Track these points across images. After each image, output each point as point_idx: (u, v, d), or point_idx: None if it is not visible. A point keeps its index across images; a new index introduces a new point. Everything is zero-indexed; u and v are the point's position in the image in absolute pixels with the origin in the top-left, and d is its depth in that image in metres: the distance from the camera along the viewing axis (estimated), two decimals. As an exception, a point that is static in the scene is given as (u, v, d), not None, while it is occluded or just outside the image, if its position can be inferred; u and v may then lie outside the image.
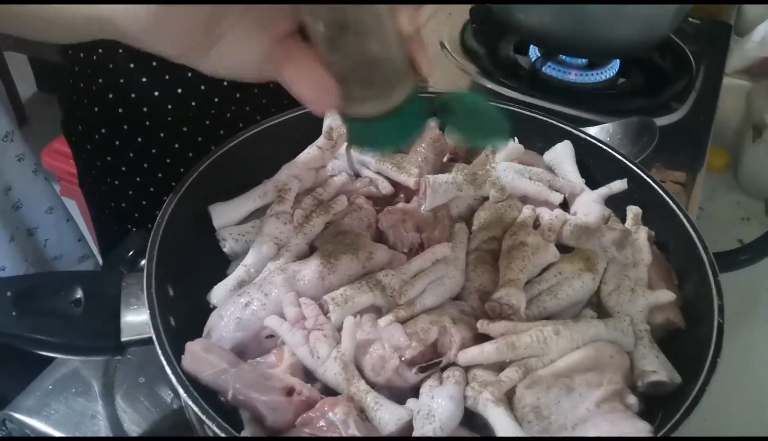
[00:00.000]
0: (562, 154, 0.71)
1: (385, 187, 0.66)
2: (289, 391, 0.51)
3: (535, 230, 0.63)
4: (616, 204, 0.68)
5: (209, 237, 0.66)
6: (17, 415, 0.62)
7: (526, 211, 0.65)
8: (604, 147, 0.70)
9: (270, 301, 0.56)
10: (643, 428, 0.49)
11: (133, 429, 0.62)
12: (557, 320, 0.56)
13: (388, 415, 0.50)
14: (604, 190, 0.68)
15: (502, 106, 0.75)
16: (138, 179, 0.95)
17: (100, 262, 1.04)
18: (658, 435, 0.48)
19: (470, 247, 0.64)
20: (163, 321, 0.54)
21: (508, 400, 0.52)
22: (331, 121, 0.72)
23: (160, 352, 0.51)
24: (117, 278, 0.57)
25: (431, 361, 0.54)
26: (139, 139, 0.91)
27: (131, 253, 0.70)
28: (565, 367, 0.53)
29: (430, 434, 0.49)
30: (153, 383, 0.65)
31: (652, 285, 0.61)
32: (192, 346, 0.51)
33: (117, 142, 0.93)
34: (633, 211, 0.65)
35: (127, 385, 0.65)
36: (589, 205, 0.67)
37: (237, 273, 0.61)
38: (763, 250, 0.90)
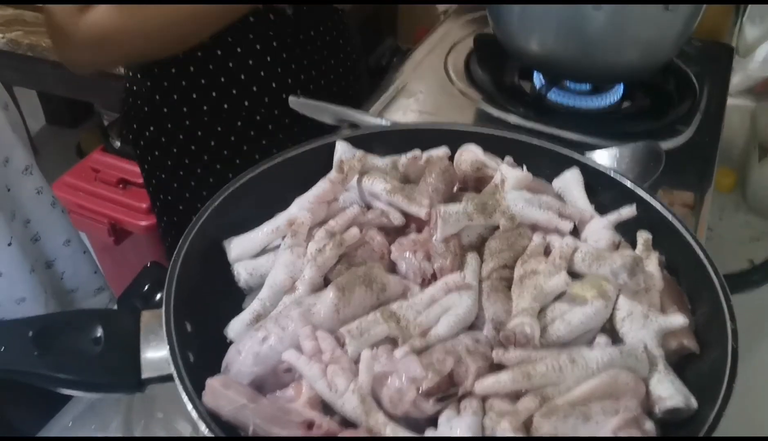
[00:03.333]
0: (570, 181, 0.72)
1: (397, 218, 0.67)
2: (309, 425, 0.51)
3: (546, 258, 0.64)
4: (625, 229, 0.69)
5: (224, 271, 0.67)
6: None
7: (537, 238, 0.66)
8: (612, 174, 0.71)
9: (287, 335, 0.57)
10: (661, 455, 0.50)
11: (152, 465, 0.62)
12: (572, 348, 0.57)
13: (406, 447, 0.51)
14: (614, 217, 0.68)
15: (508, 135, 0.76)
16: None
17: (115, 295, 1.06)
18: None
19: (482, 276, 0.64)
20: (183, 357, 0.54)
21: (526, 429, 0.53)
22: (342, 154, 0.73)
23: (181, 388, 0.52)
24: (135, 315, 0.58)
25: (448, 392, 0.54)
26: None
27: (146, 287, 0.71)
28: (582, 395, 0.54)
29: (450, 466, 0.49)
30: (171, 418, 0.66)
31: (664, 310, 0.61)
32: (212, 382, 0.52)
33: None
34: (643, 236, 0.66)
35: (145, 421, 0.65)
36: (599, 231, 0.67)
37: (253, 307, 0.62)
38: (774, 270, 0.90)
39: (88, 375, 0.53)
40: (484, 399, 0.55)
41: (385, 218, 0.68)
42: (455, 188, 0.73)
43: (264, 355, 0.56)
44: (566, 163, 0.74)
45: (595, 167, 0.72)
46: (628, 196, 0.69)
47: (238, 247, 0.67)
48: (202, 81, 1.04)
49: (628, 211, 0.68)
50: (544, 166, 0.74)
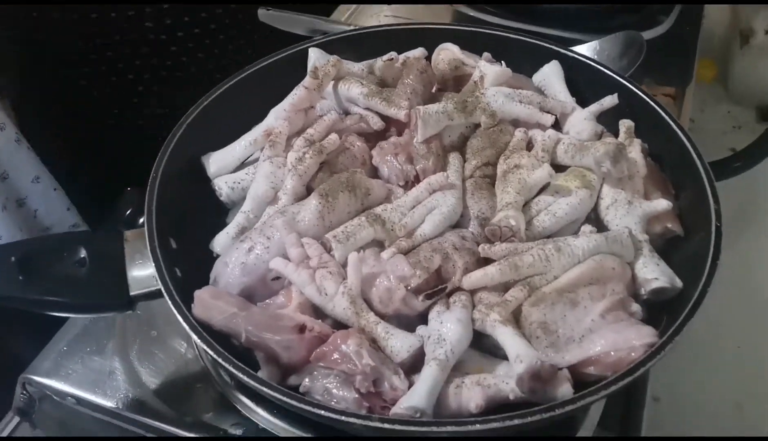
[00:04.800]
0: (550, 74, 0.71)
1: (376, 123, 0.66)
2: (301, 329, 0.52)
3: (529, 152, 0.63)
4: (608, 121, 0.68)
5: (206, 187, 0.66)
6: (36, 378, 0.63)
7: (519, 134, 0.65)
8: (592, 63, 0.70)
9: (273, 244, 0.57)
10: (647, 333, 0.51)
11: (151, 381, 0.63)
12: (558, 238, 0.57)
13: (399, 343, 0.52)
14: (596, 107, 0.67)
15: (485, 30, 0.74)
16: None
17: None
18: (664, 338, 0.49)
19: (466, 174, 0.64)
20: (170, 273, 0.54)
21: (515, 319, 0.53)
22: (315, 61, 0.71)
23: (170, 302, 0.52)
24: (119, 236, 0.58)
25: (437, 288, 0.55)
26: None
27: (128, 212, 0.70)
28: (569, 282, 0.54)
29: (442, 358, 0.50)
30: (165, 336, 0.66)
31: (648, 196, 0.61)
32: (201, 294, 0.52)
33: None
34: (625, 124, 0.65)
35: (140, 340, 0.66)
36: (581, 123, 0.67)
37: (237, 220, 0.62)
38: (756, 156, 0.90)
39: (76, 296, 0.53)
40: (473, 294, 0.56)
41: (364, 123, 0.66)
42: (434, 89, 0.71)
43: (251, 265, 0.56)
44: (546, 57, 0.72)
45: (575, 57, 0.71)
46: (611, 87, 0.68)
47: (216, 162, 0.66)
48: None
49: (609, 101, 0.67)
50: (524, 62, 0.73)
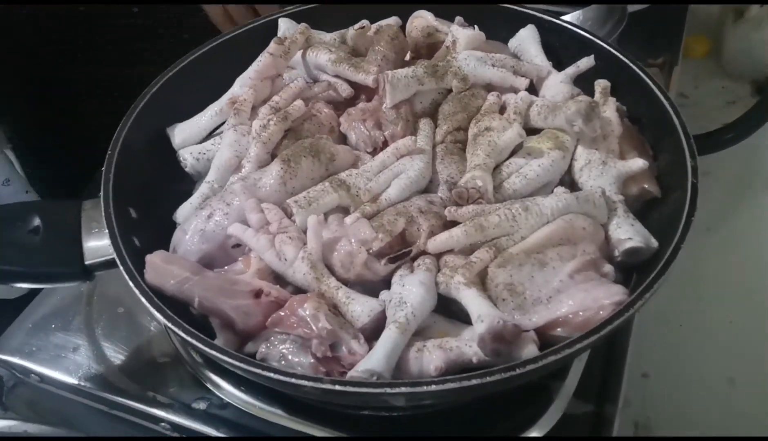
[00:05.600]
0: (525, 38, 0.69)
1: (345, 90, 0.64)
2: (257, 294, 0.50)
3: (501, 115, 0.61)
4: (586, 85, 0.66)
5: (172, 160, 0.64)
6: (2, 356, 0.62)
7: (491, 97, 0.63)
8: (569, 26, 0.68)
9: (232, 210, 0.55)
10: (617, 291, 0.48)
11: (116, 357, 0.62)
12: (526, 198, 0.55)
13: (360, 308, 0.50)
14: (572, 70, 0.65)
15: (461, -3, 0.72)
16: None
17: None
18: (633, 296, 0.47)
19: (437, 140, 0.62)
20: (125, 241, 0.53)
21: (481, 281, 0.51)
22: (285, 31, 0.69)
23: (122, 268, 0.50)
24: (76, 205, 0.56)
25: (400, 252, 0.53)
26: None
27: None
28: (537, 242, 0.52)
29: (403, 321, 0.48)
30: (132, 312, 0.65)
31: (624, 157, 0.59)
32: (152, 259, 0.51)
33: None
34: (601, 84, 0.63)
35: (106, 317, 0.65)
36: (556, 86, 0.64)
37: (201, 190, 0.60)
38: (748, 127, 0.87)
39: (29, 265, 0.52)
40: (438, 258, 0.54)
41: (332, 91, 0.65)
42: (408, 57, 0.69)
43: (210, 232, 0.54)
44: (522, 22, 0.70)
45: (552, 21, 0.68)
46: (588, 51, 0.66)
47: (182, 132, 0.64)
48: None
49: (586, 62, 0.65)
50: (499, 28, 0.71)
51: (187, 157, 0.63)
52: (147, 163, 0.62)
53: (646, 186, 0.57)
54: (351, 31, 0.70)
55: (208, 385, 0.58)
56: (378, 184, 0.57)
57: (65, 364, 0.61)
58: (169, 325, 0.47)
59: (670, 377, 0.73)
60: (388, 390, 0.42)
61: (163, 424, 0.58)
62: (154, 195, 0.61)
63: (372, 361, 0.45)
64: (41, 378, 0.61)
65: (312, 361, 0.47)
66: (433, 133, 0.62)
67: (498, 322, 0.46)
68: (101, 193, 0.55)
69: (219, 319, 0.50)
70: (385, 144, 0.61)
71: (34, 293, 0.67)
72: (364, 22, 0.70)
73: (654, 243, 0.53)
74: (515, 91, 0.64)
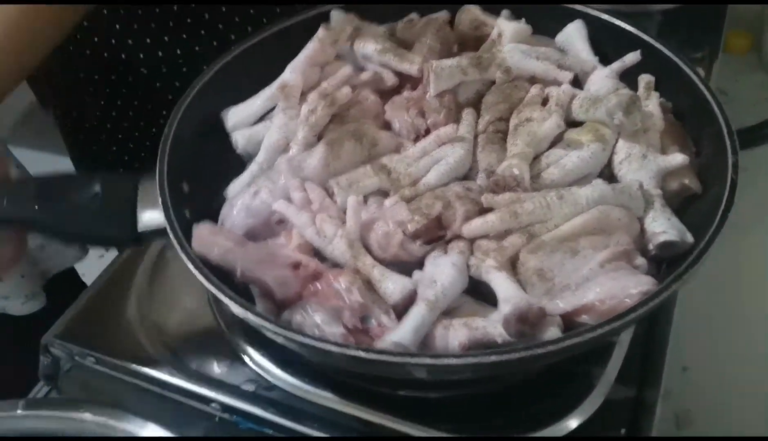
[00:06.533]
0: (573, 34, 0.69)
1: (390, 78, 0.66)
2: (296, 266, 0.53)
3: (543, 107, 0.62)
4: (632, 79, 0.66)
5: (224, 140, 0.68)
6: (58, 340, 0.64)
7: (534, 89, 0.64)
8: (616, 22, 0.68)
9: (278, 188, 0.58)
10: (646, 282, 0.49)
11: (169, 340, 0.64)
12: (562, 187, 0.55)
13: (392, 285, 0.52)
14: (617, 65, 0.65)
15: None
16: None
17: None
18: (662, 285, 0.47)
19: (479, 129, 0.63)
20: (177, 212, 0.56)
21: (512, 266, 0.53)
22: (333, 23, 0.72)
23: (172, 235, 0.53)
24: (134, 178, 0.60)
25: (436, 235, 0.55)
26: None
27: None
28: (570, 231, 0.53)
29: (432, 298, 0.50)
30: (184, 298, 0.68)
31: (665, 151, 0.59)
32: (199, 230, 0.54)
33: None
34: (645, 79, 0.63)
35: (160, 301, 0.67)
36: (601, 80, 0.65)
37: (251, 169, 0.63)
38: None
39: (85, 226, 0.56)
40: (472, 242, 0.55)
41: (378, 79, 0.67)
42: (455, 48, 0.71)
43: (256, 208, 0.57)
44: (569, 17, 0.70)
45: (598, 17, 0.69)
46: (634, 44, 0.66)
47: (234, 116, 0.68)
48: None
49: (632, 57, 0.65)
50: (547, 22, 0.71)
51: (239, 139, 0.66)
52: (201, 143, 0.65)
53: (686, 181, 0.57)
54: (400, 25, 0.72)
55: (255, 368, 0.60)
56: (418, 170, 0.59)
57: (120, 347, 0.64)
58: (212, 288, 0.49)
59: (711, 372, 0.72)
60: (410, 360, 0.44)
61: (213, 404, 0.60)
62: (206, 172, 0.64)
63: (399, 333, 0.47)
64: (96, 360, 0.64)
65: (343, 331, 0.49)
66: (476, 123, 0.63)
67: (523, 304, 0.47)
68: (157, 166, 0.58)
69: (259, 288, 0.53)
70: (428, 132, 0.63)
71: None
72: (413, 15, 0.72)
73: (689, 238, 0.53)
74: (558, 84, 0.65)
